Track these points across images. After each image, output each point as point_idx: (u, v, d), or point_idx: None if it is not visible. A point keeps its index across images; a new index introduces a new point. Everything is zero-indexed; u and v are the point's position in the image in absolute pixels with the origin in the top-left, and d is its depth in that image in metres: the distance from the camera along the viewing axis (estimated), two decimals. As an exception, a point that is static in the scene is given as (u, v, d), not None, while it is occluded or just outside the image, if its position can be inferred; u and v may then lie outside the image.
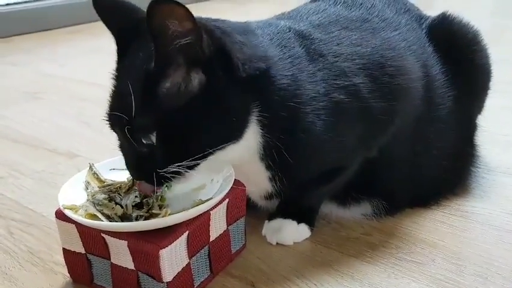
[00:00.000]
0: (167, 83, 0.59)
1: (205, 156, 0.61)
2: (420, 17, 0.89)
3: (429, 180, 0.84)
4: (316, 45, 0.70)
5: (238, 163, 0.68)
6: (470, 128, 0.91)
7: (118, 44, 0.65)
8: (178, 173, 0.61)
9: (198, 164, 0.62)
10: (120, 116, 0.59)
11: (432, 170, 0.83)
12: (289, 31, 0.72)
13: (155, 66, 0.58)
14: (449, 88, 0.83)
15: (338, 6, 0.82)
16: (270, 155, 0.67)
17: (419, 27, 0.87)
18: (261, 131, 0.65)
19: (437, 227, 0.79)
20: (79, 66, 1.89)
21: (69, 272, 0.69)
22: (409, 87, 0.74)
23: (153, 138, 0.59)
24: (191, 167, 0.62)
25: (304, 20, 0.77)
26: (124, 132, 0.60)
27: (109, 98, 0.63)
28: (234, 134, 0.63)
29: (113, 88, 0.63)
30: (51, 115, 1.39)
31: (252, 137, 0.65)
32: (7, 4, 2.30)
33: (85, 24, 2.47)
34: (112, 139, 0.65)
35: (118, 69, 0.64)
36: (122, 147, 0.64)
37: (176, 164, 0.60)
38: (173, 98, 0.59)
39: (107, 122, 0.63)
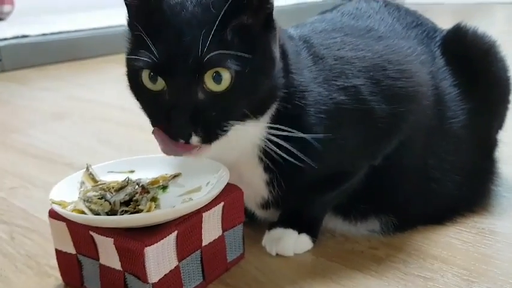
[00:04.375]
0: (240, 23, 0.57)
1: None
2: (434, 30, 0.87)
3: (443, 196, 0.79)
4: (317, 49, 0.70)
5: (236, 161, 0.67)
6: (489, 143, 0.86)
7: None
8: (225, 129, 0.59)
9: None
10: (190, 53, 0.55)
11: (446, 186, 0.78)
12: (295, 36, 0.72)
13: (231, 4, 0.55)
14: (463, 102, 0.79)
15: (345, 17, 0.81)
16: (270, 156, 0.65)
17: (431, 40, 0.85)
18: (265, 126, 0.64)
19: (450, 243, 0.74)
20: (106, 90, 1.92)
21: (61, 275, 0.68)
22: (414, 90, 0.71)
23: (226, 80, 0.56)
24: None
25: (307, 26, 0.76)
26: (189, 74, 0.55)
27: (166, 39, 0.57)
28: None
29: (173, 28, 0.57)
30: (72, 134, 1.41)
31: (255, 133, 0.64)
32: (43, 34, 2.39)
33: (117, 54, 2.54)
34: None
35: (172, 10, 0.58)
36: (173, 98, 0.57)
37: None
38: (242, 41, 0.57)
39: (164, 65, 0.56)
